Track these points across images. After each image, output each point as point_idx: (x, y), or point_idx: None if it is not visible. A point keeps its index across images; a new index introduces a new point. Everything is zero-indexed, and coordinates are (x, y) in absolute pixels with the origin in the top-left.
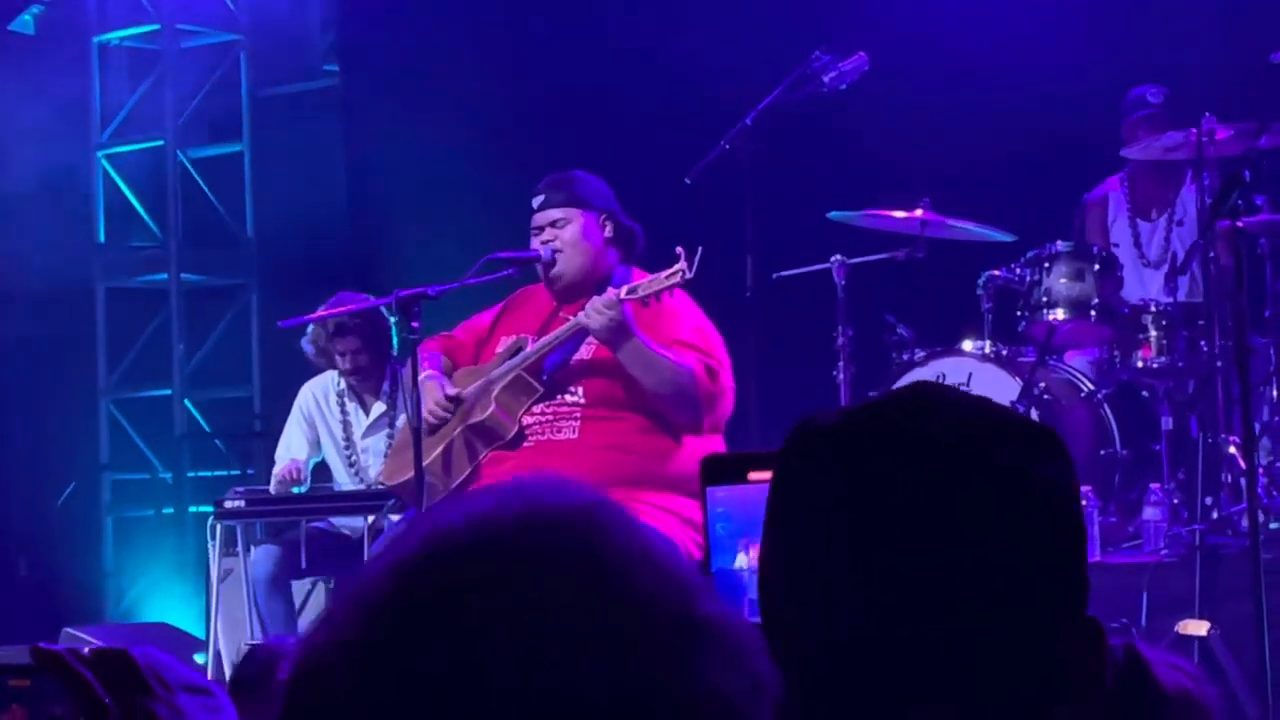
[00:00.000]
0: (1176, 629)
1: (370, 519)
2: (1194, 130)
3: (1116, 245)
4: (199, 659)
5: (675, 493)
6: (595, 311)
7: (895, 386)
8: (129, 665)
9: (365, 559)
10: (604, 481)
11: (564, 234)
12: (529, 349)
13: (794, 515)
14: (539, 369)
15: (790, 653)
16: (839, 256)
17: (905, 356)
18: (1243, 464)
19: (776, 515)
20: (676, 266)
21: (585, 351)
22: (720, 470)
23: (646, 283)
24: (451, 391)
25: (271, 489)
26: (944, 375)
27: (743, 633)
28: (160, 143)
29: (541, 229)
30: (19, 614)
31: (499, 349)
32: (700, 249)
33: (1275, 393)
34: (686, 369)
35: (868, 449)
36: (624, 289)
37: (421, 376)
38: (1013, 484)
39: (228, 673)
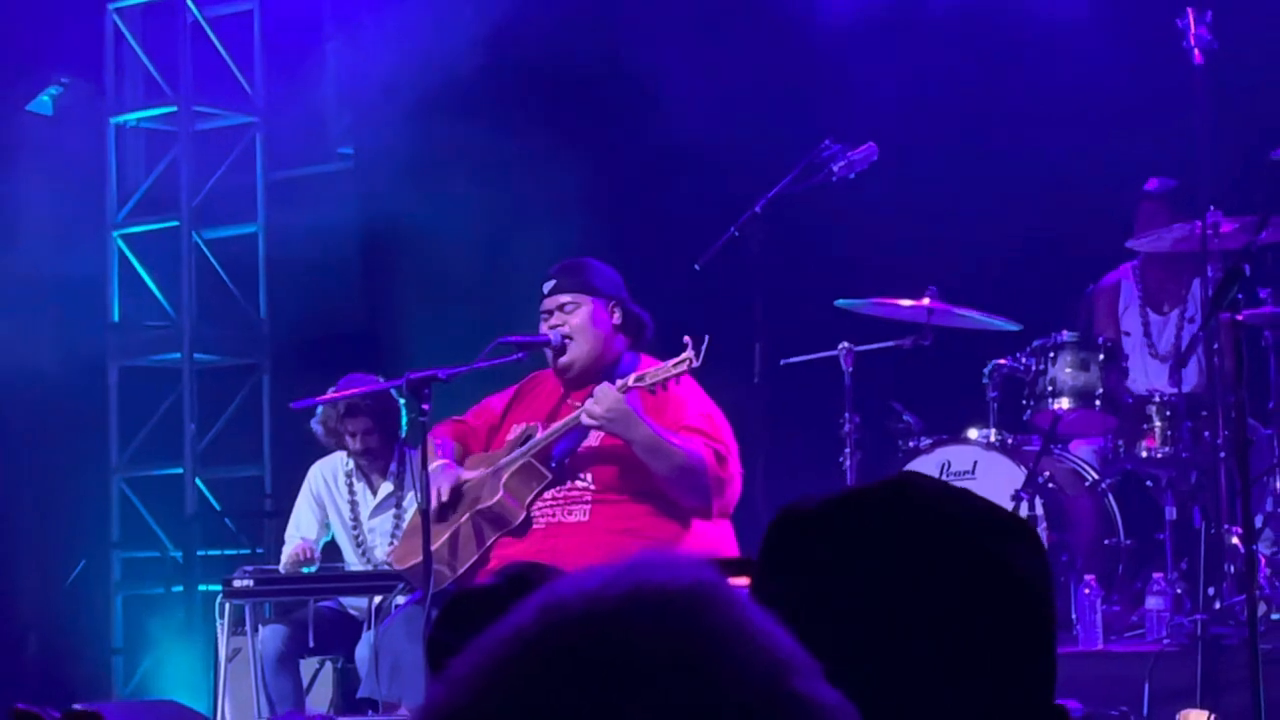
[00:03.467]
0: (1177, 719)
1: (378, 599)
2: (1199, 223)
3: (1127, 334)
4: None
5: None
6: (596, 403)
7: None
8: None
9: (377, 637)
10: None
11: (573, 319)
12: (538, 436)
13: (778, 601)
14: (548, 456)
15: None
16: (846, 344)
17: (911, 444)
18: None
19: (762, 595)
20: (684, 355)
21: (594, 438)
22: (734, 569)
23: (654, 370)
24: (465, 476)
25: (282, 568)
26: (949, 463)
27: (836, 712)
28: (175, 223)
29: (551, 313)
30: (28, 690)
31: (509, 436)
32: (707, 338)
33: (1278, 483)
34: (695, 455)
35: (850, 538)
36: (631, 377)
37: (434, 465)
38: (994, 575)
39: None
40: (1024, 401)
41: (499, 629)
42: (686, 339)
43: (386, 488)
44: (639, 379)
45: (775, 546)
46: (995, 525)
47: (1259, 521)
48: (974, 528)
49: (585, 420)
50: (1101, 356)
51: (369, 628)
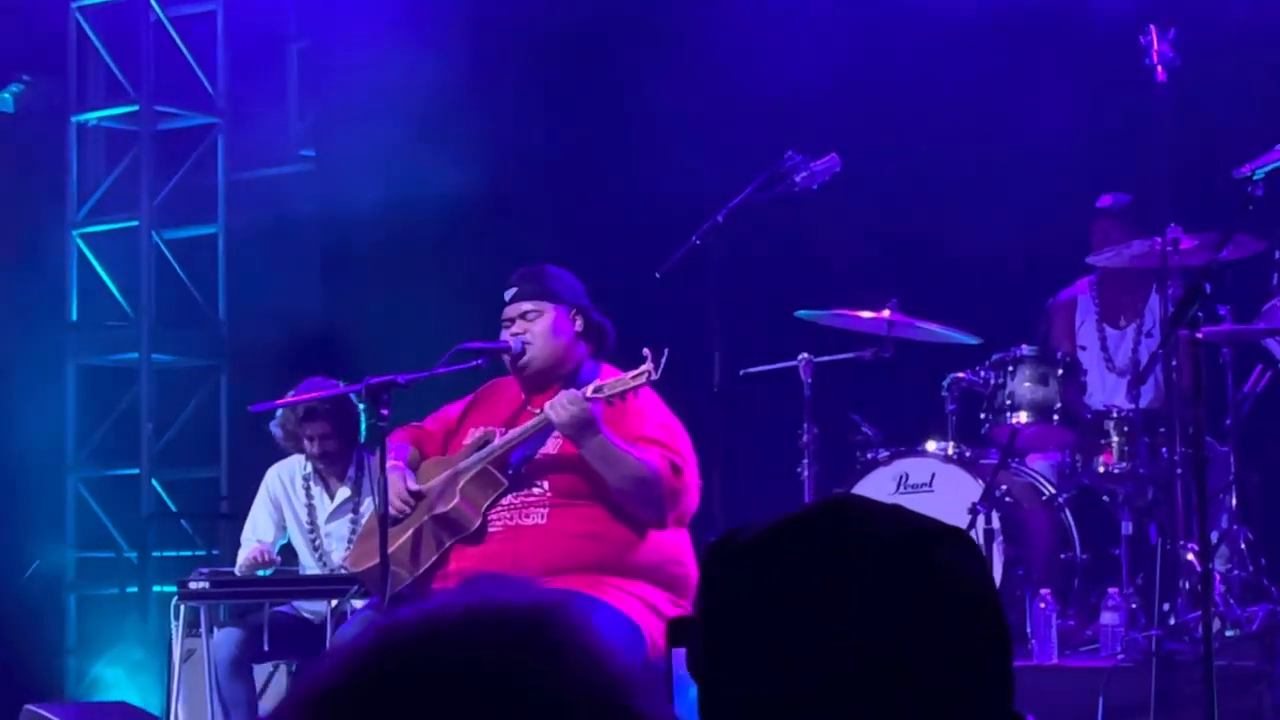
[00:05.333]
0: None
1: (334, 603)
2: (1159, 239)
3: (1084, 348)
4: None
5: (643, 580)
6: (561, 406)
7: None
8: None
9: (327, 644)
10: (573, 567)
11: (534, 326)
12: (496, 442)
13: (722, 626)
14: (505, 462)
15: None
16: (806, 355)
17: (870, 455)
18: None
19: (706, 626)
20: (642, 368)
21: (551, 446)
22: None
23: (612, 383)
24: (414, 487)
25: (238, 571)
26: (907, 475)
27: None
28: (135, 223)
29: (513, 320)
30: None
31: (467, 441)
32: (666, 351)
33: (1234, 500)
34: (650, 466)
35: (797, 563)
36: (590, 388)
37: (388, 466)
38: (951, 584)
39: None
40: (982, 415)
41: (339, 649)
42: (646, 351)
43: (344, 492)
44: (597, 390)
45: (717, 579)
46: (937, 536)
47: (1214, 538)
48: (920, 540)
49: (549, 415)
50: (1060, 371)
51: (329, 633)
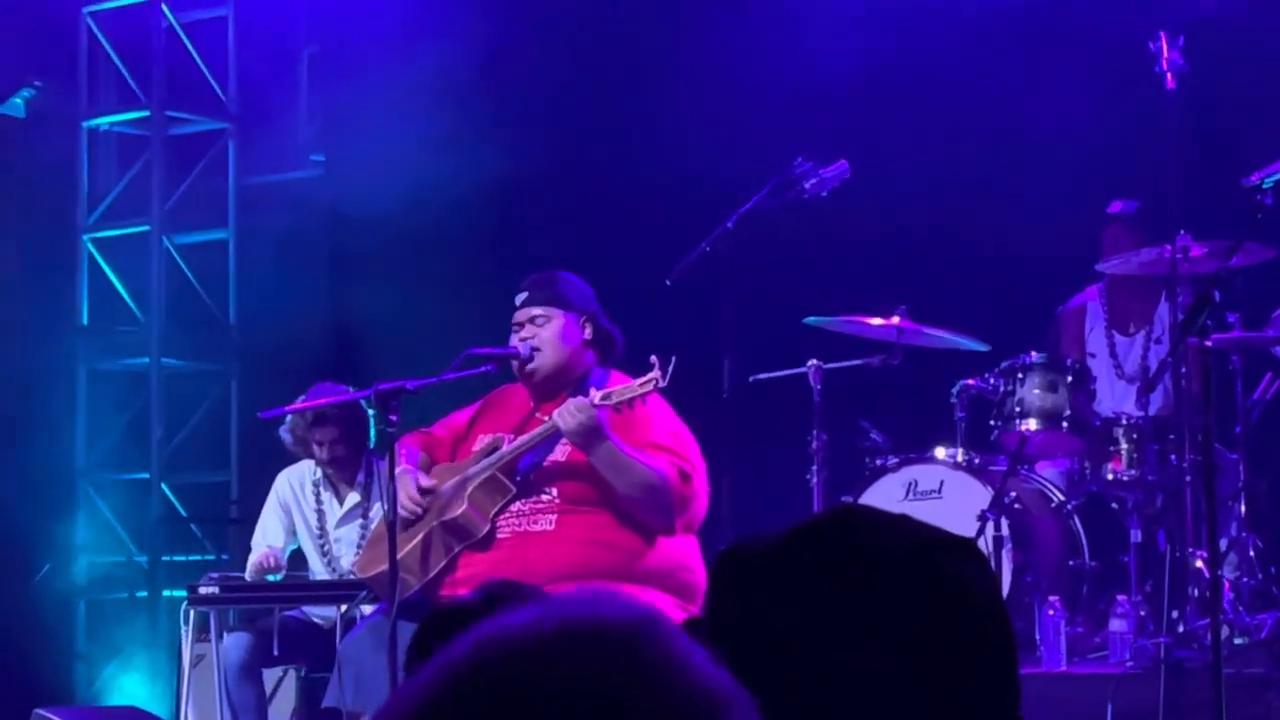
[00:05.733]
0: None
1: (343, 608)
2: (1169, 246)
3: (1093, 355)
4: None
5: (652, 586)
6: (569, 414)
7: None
8: None
9: (336, 648)
10: (581, 574)
11: (543, 332)
12: (504, 448)
13: (731, 635)
14: (513, 469)
15: None
16: (815, 361)
17: (879, 462)
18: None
19: (715, 636)
20: (650, 375)
21: (560, 453)
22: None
23: (620, 389)
24: (426, 484)
25: (248, 575)
26: (916, 482)
27: None
28: (146, 228)
29: (522, 325)
30: None
31: (476, 447)
32: (674, 358)
33: (1243, 508)
34: (659, 473)
35: (806, 573)
36: (597, 394)
37: (398, 471)
38: (959, 595)
39: None
40: (991, 422)
41: (431, 666)
42: (654, 359)
43: (353, 497)
44: (605, 397)
45: (726, 588)
46: (945, 547)
47: (1223, 546)
48: (928, 550)
49: (558, 422)
50: (1069, 378)
51: (339, 638)
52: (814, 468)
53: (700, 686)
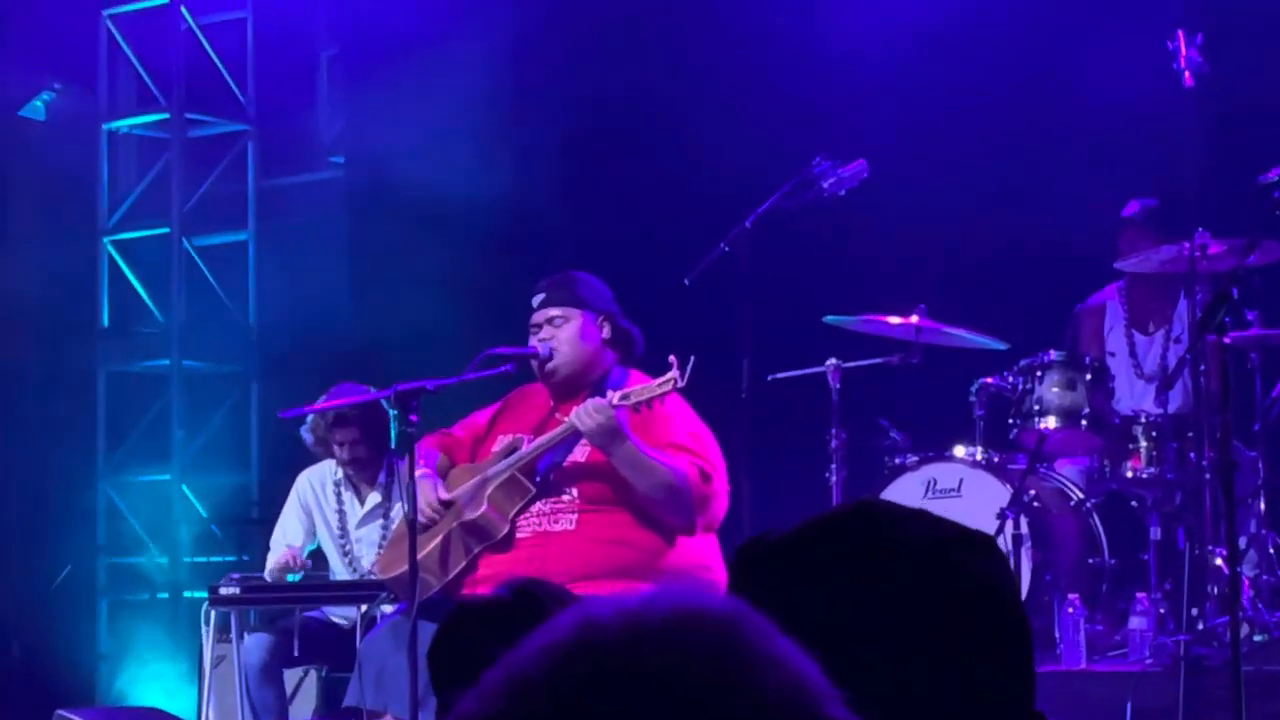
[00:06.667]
0: None
1: (363, 609)
2: (1187, 244)
3: (1112, 354)
4: None
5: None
6: (587, 414)
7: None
8: None
9: (357, 648)
10: (602, 573)
11: (561, 332)
12: (524, 449)
13: None
14: (533, 470)
15: None
16: (834, 360)
17: (898, 460)
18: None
19: None
20: (669, 375)
21: (580, 453)
22: None
23: (638, 390)
24: (445, 496)
25: (268, 575)
26: (935, 480)
27: None
28: (166, 230)
29: (540, 326)
30: (11, 696)
31: (495, 448)
32: (693, 358)
33: (1263, 505)
34: (679, 472)
35: (825, 566)
36: (616, 395)
37: (418, 474)
38: (978, 590)
39: None
40: (1010, 420)
41: (532, 643)
42: (672, 359)
43: (374, 498)
44: (624, 397)
45: (744, 579)
46: (965, 541)
47: (1243, 543)
48: (947, 545)
49: (577, 423)
50: (1088, 376)
51: (359, 638)
52: (833, 466)
53: (798, 675)
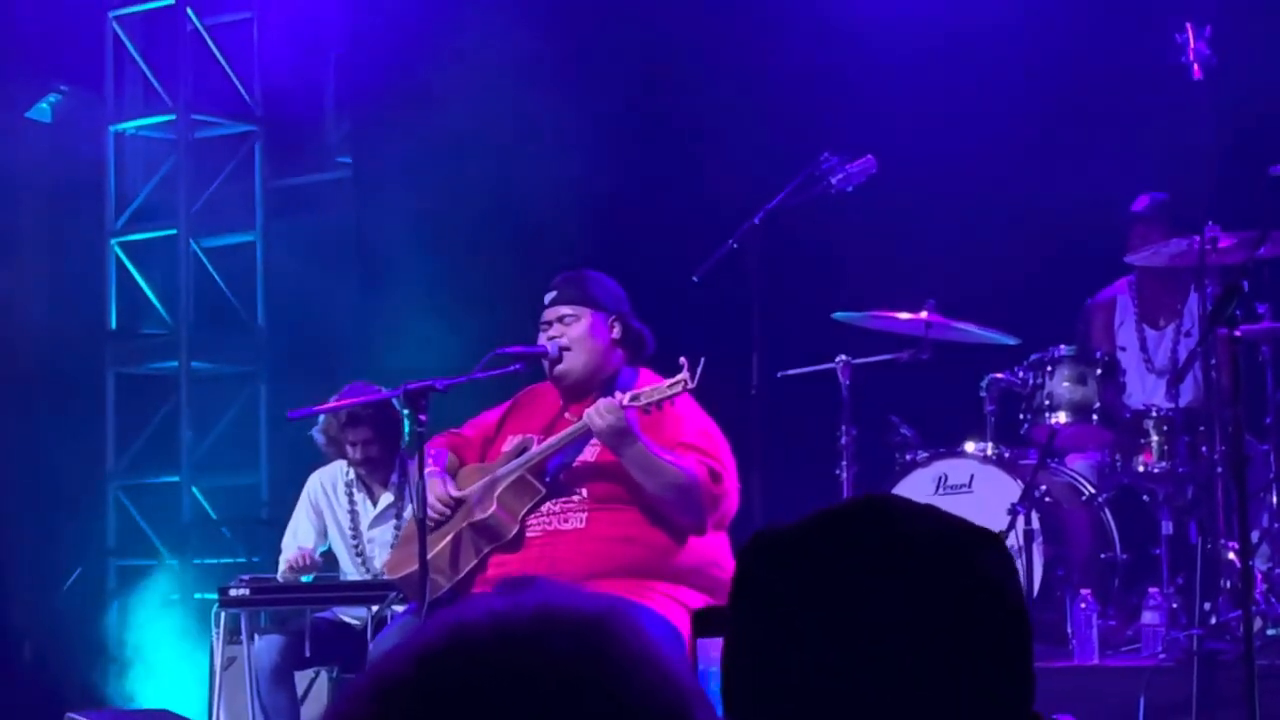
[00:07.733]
0: None
1: (375, 609)
2: (1197, 238)
3: (1123, 349)
4: None
5: (683, 584)
6: (598, 414)
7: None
8: None
9: (369, 649)
10: (612, 571)
11: (571, 331)
12: (534, 449)
13: (757, 619)
14: (543, 470)
15: None
16: (844, 357)
17: (908, 457)
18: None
19: (740, 620)
20: (679, 376)
21: (589, 453)
22: (711, 623)
23: (648, 391)
24: (455, 493)
25: (280, 576)
26: (946, 476)
27: None
28: (173, 231)
29: (550, 325)
30: (22, 698)
31: (505, 448)
32: (703, 359)
33: (1275, 499)
34: (689, 472)
35: (832, 559)
36: (626, 395)
37: (426, 472)
38: (984, 588)
39: None
40: (1021, 415)
41: (404, 646)
42: (682, 360)
43: (387, 498)
44: (634, 398)
45: (753, 574)
46: (972, 538)
47: (1255, 537)
48: (955, 541)
49: (587, 422)
50: (1099, 371)
51: (371, 638)
52: (843, 463)
53: (666, 675)
